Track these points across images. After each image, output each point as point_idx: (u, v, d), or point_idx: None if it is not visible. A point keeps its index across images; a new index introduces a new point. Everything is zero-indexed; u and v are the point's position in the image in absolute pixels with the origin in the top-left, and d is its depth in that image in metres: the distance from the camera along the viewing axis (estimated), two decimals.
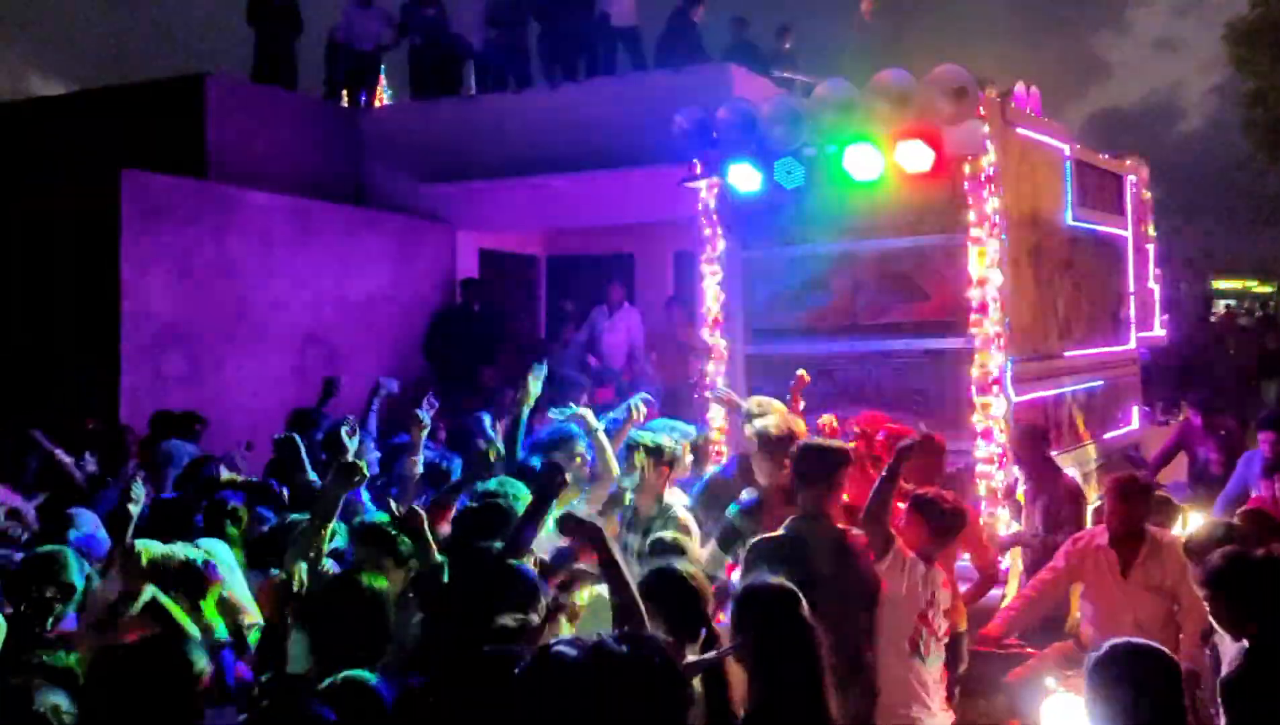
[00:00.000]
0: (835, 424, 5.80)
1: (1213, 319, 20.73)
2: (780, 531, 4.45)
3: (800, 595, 3.28)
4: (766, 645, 3.17)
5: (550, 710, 1.93)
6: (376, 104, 13.20)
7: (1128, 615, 5.32)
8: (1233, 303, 28.76)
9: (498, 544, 4.03)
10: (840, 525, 4.46)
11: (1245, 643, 3.75)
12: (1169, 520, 6.18)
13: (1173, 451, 8.76)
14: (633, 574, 3.52)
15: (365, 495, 5.48)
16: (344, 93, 12.91)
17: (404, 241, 11.49)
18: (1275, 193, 24.72)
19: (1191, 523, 6.18)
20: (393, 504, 4.37)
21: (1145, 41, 54.00)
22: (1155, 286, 9.33)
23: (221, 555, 4.57)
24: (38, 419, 6.98)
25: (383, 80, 13.54)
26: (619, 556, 3.45)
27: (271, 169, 10.80)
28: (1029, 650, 5.59)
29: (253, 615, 4.33)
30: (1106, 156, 8.44)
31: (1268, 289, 31.00)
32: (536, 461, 5.02)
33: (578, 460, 5.38)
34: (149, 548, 4.03)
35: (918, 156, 6.37)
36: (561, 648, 2.04)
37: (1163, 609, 5.38)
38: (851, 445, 5.05)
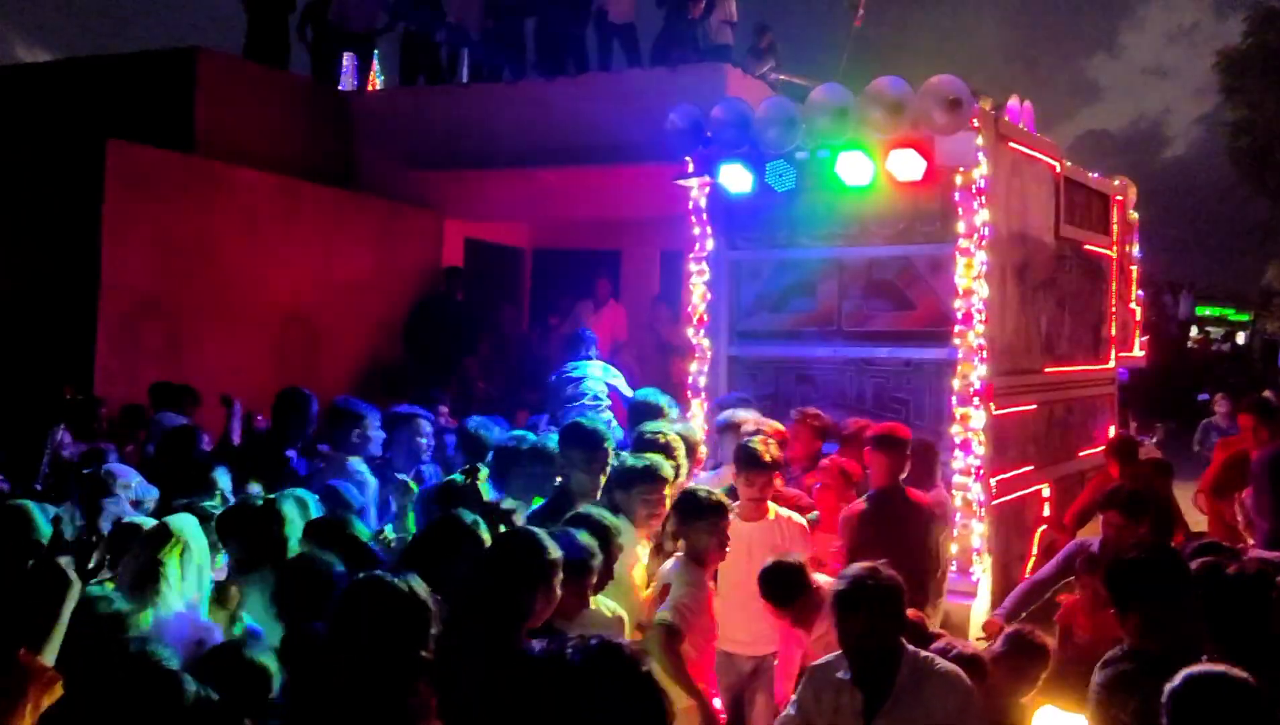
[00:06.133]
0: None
1: (1190, 344, 20.76)
2: None
3: None
4: None
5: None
6: (370, 88, 13.11)
7: None
8: (1211, 331, 28.94)
9: None
10: None
11: None
12: None
13: None
14: None
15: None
16: (340, 74, 12.79)
17: (390, 226, 11.41)
18: (1257, 223, 24.91)
19: None
20: None
21: (1136, 67, 54.48)
22: (1137, 308, 9.39)
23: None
24: (13, 386, 6.89)
25: (375, 65, 13.44)
26: None
27: (260, 147, 10.69)
28: None
29: None
30: (1095, 176, 8.49)
31: (1244, 317, 31.28)
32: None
33: None
34: None
35: (909, 165, 6.39)
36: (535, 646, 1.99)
37: None
38: None
